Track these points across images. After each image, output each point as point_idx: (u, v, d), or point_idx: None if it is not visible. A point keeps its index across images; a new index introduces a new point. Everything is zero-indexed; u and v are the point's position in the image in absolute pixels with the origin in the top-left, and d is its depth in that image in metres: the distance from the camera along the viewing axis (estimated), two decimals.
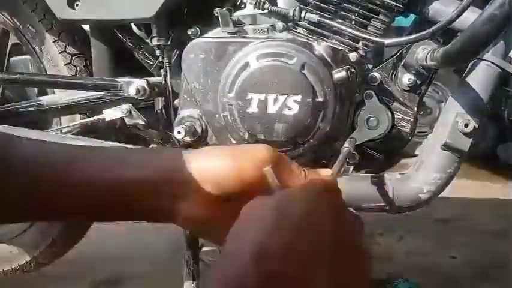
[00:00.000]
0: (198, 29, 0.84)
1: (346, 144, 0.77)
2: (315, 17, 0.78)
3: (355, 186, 0.81)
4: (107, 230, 2.08)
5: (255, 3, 0.81)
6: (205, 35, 0.84)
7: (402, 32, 0.91)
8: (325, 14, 0.79)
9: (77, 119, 1.18)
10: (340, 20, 0.79)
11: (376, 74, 0.80)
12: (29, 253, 1.49)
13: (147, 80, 0.93)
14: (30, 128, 0.97)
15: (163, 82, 0.96)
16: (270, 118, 0.78)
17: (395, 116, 0.81)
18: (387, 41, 0.75)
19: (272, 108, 0.77)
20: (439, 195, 0.80)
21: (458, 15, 0.64)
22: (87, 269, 1.67)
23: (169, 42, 0.94)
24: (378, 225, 2.17)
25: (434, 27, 0.68)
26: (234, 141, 0.84)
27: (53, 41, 1.22)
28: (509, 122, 3.16)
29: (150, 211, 0.43)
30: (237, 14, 0.88)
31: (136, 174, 0.39)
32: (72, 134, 1.09)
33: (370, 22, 0.79)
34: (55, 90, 1.18)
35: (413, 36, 0.72)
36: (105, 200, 0.39)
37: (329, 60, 0.79)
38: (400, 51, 0.81)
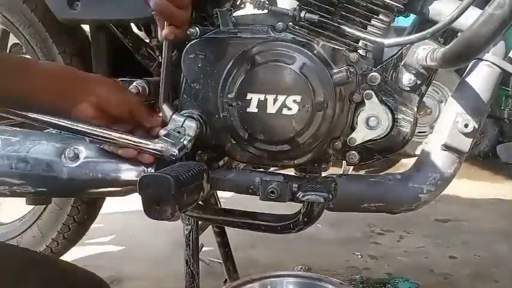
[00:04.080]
0: (198, 29, 0.83)
1: None
2: (315, 17, 0.78)
3: (355, 186, 0.81)
4: (107, 230, 2.08)
5: (255, 3, 0.81)
6: (205, 35, 0.84)
7: (402, 32, 0.91)
8: (325, 14, 0.79)
9: None
10: (340, 20, 0.79)
11: (376, 74, 0.80)
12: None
13: (146, 80, 0.93)
14: (30, 129, 0.96)
15: None
16: (269, 118, 0.78)
17: (395, 116, 0.81)
18: (387, 41, 0.75)
19: (272, 108, 0.77)
20: (439, 195, 0.80)
21: (459, 15, 0.64)
22: (87, 268, 1.67)
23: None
24: (378, 225, 2.17)
25: (434, 27, 0.68)
26: (233, 142, 0.84)
27: (53, 41, 1.22)
28: (509, 122, 3.17)
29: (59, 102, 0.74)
30: (237, 14, 0.88)
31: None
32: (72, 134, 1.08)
33: (370, 22, 0.79)
34: None
35: (413, 36, 0.72)
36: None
37: (329, 60, 0.79)
38: (400, 51, 0.81)
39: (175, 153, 0.77)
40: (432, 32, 0.68)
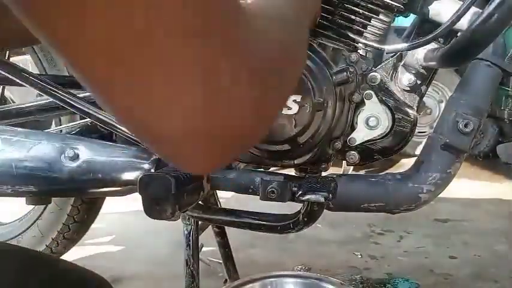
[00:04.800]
0: None
1: None
2: None
3: (355, 186, 0.81)
4: (107, 230, 2.08)
5: None
6: None
7: (402, 32, 0.91)
8: (325, 14, 0.79)
9: (77, 119, 1.19)
10: (340, 20, 0.79)
11: (376, 74, 0.80)
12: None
13: None
14: (30, 128, 0.96)
15: None
16: None
17: (396, 116, 0.81)
18: (388, 47, 0.75)
19: None
20: (439, 195, 0.80)
21: (459, 18, 0.64)
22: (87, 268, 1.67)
23: None
24: (378, 225, 2.17)
25: (435, 32, 0.68)
26: None
27: None
28: (509, 122, 3.17)
29: None
30: None
31: None
32: (72, 134, 1.09)
33: (370, 22, 0.79)
34: None
35: (414, 42, 0.72)
36: None
37: (329, 60, 0.79)
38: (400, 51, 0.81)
39: None
40: (434, 37, 0.68)
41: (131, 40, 0.24)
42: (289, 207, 0.86)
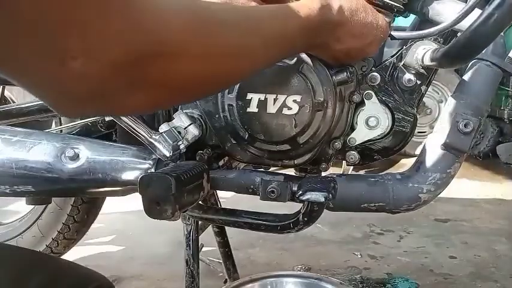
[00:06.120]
0: None
1: None
2: None
3: (355, 186, 0.81)
4: (107, 230, 2.08)
5: None
6: None
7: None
8: None
9: (77, 119, 1.18)
10: None
11: (376, 74, 0.80)
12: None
13: None
14: (30, 128, 0.96)
15: None
16: (270, 118, 0.78)
17: (395, 116, 0.81)
18: (393, 33, 0.76)
19: (272, 108, 0.77)
20: (439, 195, 0.80)
21: (464, 16, 0.64)
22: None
23: None
24: (377, 225, 2.17)
25: (439, 27, 0.68)
26: (234, 142, 0.84)
27: None
28: (509, 122, 3.17)
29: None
30: None
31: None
32: (72, 134, 1.09)
33: None
34: None
35: (420, 32, 0.72)
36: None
37: None
38: (400, 52, 0.81)
39: (167, 156, 0.77)
40: (438, 31, 0.68)
41: None
42: (289, 207, 0.86)
